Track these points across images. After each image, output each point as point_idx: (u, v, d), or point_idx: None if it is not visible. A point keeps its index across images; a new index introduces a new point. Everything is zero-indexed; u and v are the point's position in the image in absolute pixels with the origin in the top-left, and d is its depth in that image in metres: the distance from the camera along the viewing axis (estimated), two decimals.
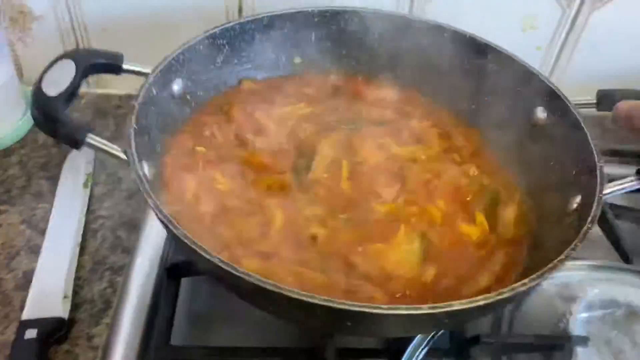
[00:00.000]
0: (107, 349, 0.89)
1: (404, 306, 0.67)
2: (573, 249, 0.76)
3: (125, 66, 0.93)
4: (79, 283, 1.00)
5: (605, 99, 1.01)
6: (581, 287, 0.96)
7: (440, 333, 0.90)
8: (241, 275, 0.67)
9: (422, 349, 0.89)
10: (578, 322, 0.91)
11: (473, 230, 0.93)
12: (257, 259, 0.83)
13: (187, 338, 0.99)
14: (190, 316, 1.02)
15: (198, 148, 0.99)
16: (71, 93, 0.86)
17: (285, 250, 0.85)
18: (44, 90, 0.84)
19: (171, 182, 0.92)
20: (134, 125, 0.84)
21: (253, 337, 0.97)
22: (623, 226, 1.02)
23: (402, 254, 0.86)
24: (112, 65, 0.93)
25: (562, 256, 0.75)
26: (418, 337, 0.89)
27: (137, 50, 0.95)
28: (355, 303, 0.65)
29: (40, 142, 1.25)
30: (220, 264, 0.68)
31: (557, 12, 1.29)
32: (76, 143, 0.83)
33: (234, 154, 1.00)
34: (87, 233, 1.08)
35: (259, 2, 1.27)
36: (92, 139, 0.84)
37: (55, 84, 0.85)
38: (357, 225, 0.90)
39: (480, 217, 0.95)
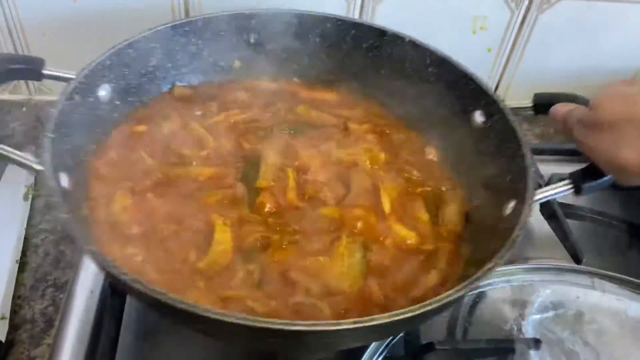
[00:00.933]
0: None
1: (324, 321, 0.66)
2: (500, 258, 0.74)
3: (46, 71, 0.89)
4: (18, 302, 0.97)
5: (541, 103, 1.00)
6: (533, 289, 0.97)
7: (395, 340, 0.89)
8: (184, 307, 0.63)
9: (377, 358, 0.88)
10: (530, 324, 0.92)
11: (412, 235, 0.92)
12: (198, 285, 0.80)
13: (133, 358, 0.93)
14: (137, 334, 0.96)
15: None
16: None
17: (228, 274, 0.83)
18: None
19: (97, 197, 0.88)
20: (50, 134, 0.80)
21: (202, 356, 0.93)
22: (573, 225, 1.01)
23: (344, 267, 0.85)
24: (31, 70, 0.89)
25: (490, 264, 0.73)
26: (372, 345, 0.88)
27: (79, 53, 0.90)
28: (278, 321, 0.63)
29: None
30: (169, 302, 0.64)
31: (506, 13, 1.29)
32: None
33: (172, 171, 0.96)
34: (28, 248, 1.05)
35: (206, 2, 1.23)
36: (2, 149, 0.79)
37: None
38: (301, 239, 0.88)
39: (424, 216, 0.95)
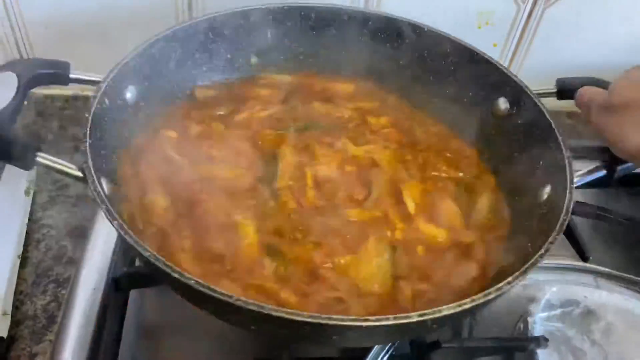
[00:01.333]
0: None
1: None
2: (551, 242, 0.75)
3: (73, 75, 0.87)
4: (20, 298, 0.95)
5: (565, 87, 0.99)
6: (539, 287, 0.97)
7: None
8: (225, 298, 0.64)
9: (383, 356, 0.88)
10: (537, 322, 0.92)
11: (442, 232, 0.90)
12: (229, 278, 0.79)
13: (136, 354, 0.93)
14: (140, 331, 0.97)
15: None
16: (14, 109, 0.80)
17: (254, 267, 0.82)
18: None
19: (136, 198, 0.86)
20: (89, 139, 0.78)
21: (205, 351, 0.93)
22: (579, 222, 1.00)
23: (372, 267, 0.83)
24: (58, 75, 0.87)
25: (542, 250, 0.74)
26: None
27: (83, 53, 0.88)
28: (308, 314, 0.63)
29: None
30: (201, 288, 0.64)
31: (512, 8, 1.29)
32: (26, 164, 0.78)
33: (199, 170, 0.94)
34: (30, 243, 1.03)
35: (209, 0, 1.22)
36: (43, 158, 0.78)
37: None
38: (324, 238, 0.87)
39: (454, 210, 0.93)
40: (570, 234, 0.98)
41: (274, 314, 0.63)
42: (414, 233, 0.90)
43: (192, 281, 0.65)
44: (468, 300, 0.67)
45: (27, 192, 1.09)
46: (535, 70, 1.36)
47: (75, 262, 0.98)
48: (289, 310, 0.64)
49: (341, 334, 0.68)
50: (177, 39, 1.00)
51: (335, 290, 0.80)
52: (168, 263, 0.66)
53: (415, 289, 0.82)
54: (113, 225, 0.70)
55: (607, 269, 1.03)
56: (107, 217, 0.70)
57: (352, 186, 0.95)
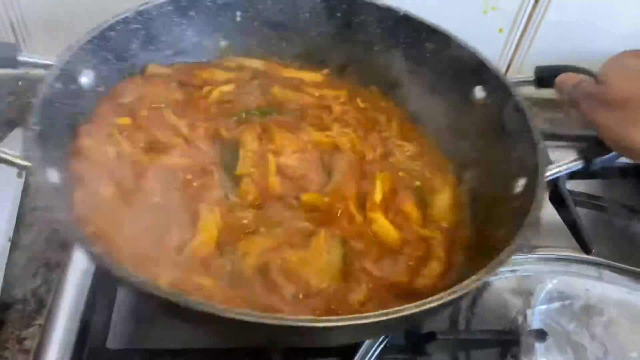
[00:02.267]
0: (39, 352, 0.82)
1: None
2: (523, 238, 0.71)
3: (21, 58, 0.83)
4: (9, 281, 0.92)
5: (544, 75, 0.94)
6: (539, 279, 0.93)
7: None
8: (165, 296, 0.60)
9: (377, 347, 0.85)
10: (535, 315, 0.88)
11: (395, 233, 0.86)
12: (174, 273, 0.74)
13: (125, 340, 0.90)
14: (129, 317, 0.92)
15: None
16: None
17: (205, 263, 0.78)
18: None
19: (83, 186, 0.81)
20: (35, 127, 0.73)
21: (196, 339, 0.88)
22: (582, 214, 0.95)
23: (322, 264, 0.80)
24: (5, 58, 0.83)
25: (512, 247, 0.70)
26: None
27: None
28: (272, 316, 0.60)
29: None
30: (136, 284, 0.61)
31: None
32: None
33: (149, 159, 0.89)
34: (21, 227, 1.00)
35: None
36: None
37: None
38: (281, 231, 0.83)
39: (413, 210, 0.90)
40: (573, 225, 0.93)
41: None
42: (368, 224, 0.86)
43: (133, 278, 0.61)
44: (412, 305, 0.62)
45: (19, 174, 1.05)
46: (542, 57, 1.23)
47: (66, 246, 0.95)
48: (217, 306, 0.59)
49: (280, 335, 0.65)
50: (139, 20, 0.93)
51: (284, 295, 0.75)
52: (106, 258, 0.63)
53: (366, 288, 0.78)
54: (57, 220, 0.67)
55: (610, 262, 1.00)
56: (52, 211, 0.68)
57: (314, 173, 0.91)
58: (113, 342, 0.86)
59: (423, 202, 0.91)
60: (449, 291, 0.63)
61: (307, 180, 0.89)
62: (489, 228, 0.83)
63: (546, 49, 1.31)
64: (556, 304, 0.89)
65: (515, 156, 0.85)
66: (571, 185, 0.95)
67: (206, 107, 0.98)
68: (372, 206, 0.87)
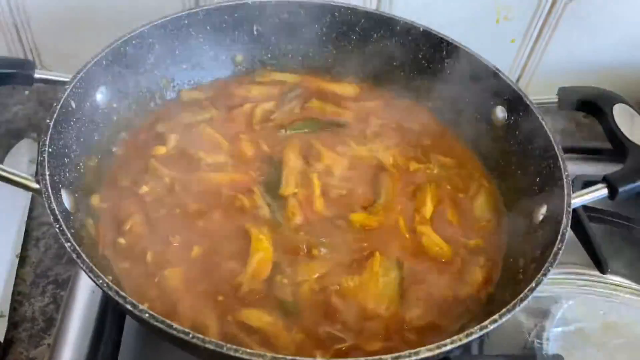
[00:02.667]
0: None
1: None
2: (544, 274, 0.69)
3: (38, 75, 0.81)
4: (17, 299, 0.90)
5: (567, 98, 0.92)
6: (554, 300, 0.90)
7: None
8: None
9: None
10: (551, 338, 0.85)
11: (445, 247, 0.85)
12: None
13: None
14: (140, 334, 0.89)
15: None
16: None
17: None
18: None
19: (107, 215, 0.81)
20: (47, 148, 0.71)
21: None
22: (597, 230, 0.91)
23: (378, 288, 0.78)
24: (20, 74, 0.81)
25: (532, 284, 0.68)
26: None
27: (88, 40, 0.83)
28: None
29: None
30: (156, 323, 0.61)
31: (533, 2, 1.19)
32: None
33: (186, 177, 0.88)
34: (29, 242, 0.98)
35: None
36: None
37: None
38: (334, 254, 0.82)
39: (459, 221, 0.88)
40: (588, 243, 0.90)
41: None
42: (420, 245, 0.84)
43: (147, 314, 0.60)
44: (448, 341, 0.62)
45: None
46: (554, 67, 1.27)
47: (74, 263, 0.94)
48: (248, 350, 0.59)
49: None
50: (155, 35, 0.92)
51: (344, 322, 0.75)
52: (122, 293, 0.62)
53: (420, 308, 0.78)
54: (66, 247, 0.65)
55: (626, 281, 0.96)
56: (60, 237, 0.65)
57: (360, 191, 0.90)
58: None
59: (466, 212, 0.90)
60: (466, 332, 0.64)
61: (353, 199, 0.88)
62: (515, 251, 0.83)
63: (558, 59, 1.28)
64: (571, 327, 0.86)
65: (539, 181, 0.84)
66: None
67: (245, 123, 0.97)
68: (421, 220, 0.87)
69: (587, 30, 1.23)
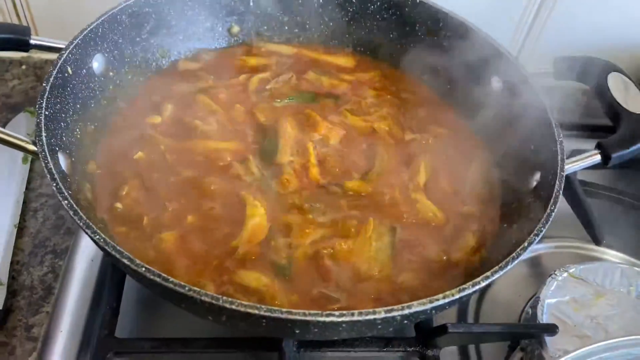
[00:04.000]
0: (46, 340, 0.80)
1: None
2: (536, 235, 0.69)
3: (33, 41, 0.80)
4: (16, 268, 0.90)
5: (563, 67, 0.91)
6: (549, 271, 0.89)
7: None
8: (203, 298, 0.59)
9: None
10: (546, 308, 0.85)
11: (438, 213, 0.85)
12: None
13: (134, 329, 0.87)
14: (138, 305, 0.90)
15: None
16: None
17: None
18: None
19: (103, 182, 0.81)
20: (44, 111, 0.71)
21: (206, 327, 0.84)
22: (592, 204, 0.93)
23: (372, 252, 0.79)
24: (16, 40, 0.79)
25: (525, 243, 0.68)
26: None
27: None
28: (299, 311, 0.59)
29: None
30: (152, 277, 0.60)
31: None
32: None
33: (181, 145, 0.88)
34: (27, 213, 0.97)
35: None
36: None
37: None
38: (328, 219, 0.82)
39: (452, 188, 0.88)
40: (583, 215, 0.91)
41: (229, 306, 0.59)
42: (414, 211, 0.84)
43: (143, 268, 0.60)
44: (440, 296, 0.62)
45: (24, 160, 1.03)
46: (553, 43, 1.25)
47: (72, 233, 0.93)
48: (244, 303, 0.59)
49: (303, 328, 0.63)
50: (150, 4, 0.91)
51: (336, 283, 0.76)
52: (119, 248, 0.62)
53: (413, 271, 0.78)
54: (63, 205, 0.64)
55: (620, 253, 0.96)
56: (57, 196, 0.65)
57: (356, 159, 0.89)
58: (122, 330, 0.83)
59: (459, 180, 0.90)
60: (458, 288, 0.63)
61: (348, 167, 0.88)
62: (508, 216, 0.83)
63: (557, 35, 1.25)
64: (566, 298, 0.86)
65: (532, 148, 0.83)
66: (582, 175, 0.93)
67: (241, 93, 0.97)
68: (415, 187, 0.87)
69: (587, 7, 1.21)
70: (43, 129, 0.70)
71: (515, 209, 0.82)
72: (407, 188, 0.86)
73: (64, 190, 0.65)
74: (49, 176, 0.66)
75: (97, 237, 0.62)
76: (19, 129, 1.07)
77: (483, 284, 0.64)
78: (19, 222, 0.96)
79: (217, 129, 0.89)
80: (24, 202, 0.98)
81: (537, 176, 0.79)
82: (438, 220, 0.84)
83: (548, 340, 0.81)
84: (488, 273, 0.64)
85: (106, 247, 0.61)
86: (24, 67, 1.21)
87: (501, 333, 0.84)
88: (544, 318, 0.84)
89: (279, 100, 0.96)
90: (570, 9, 1.20)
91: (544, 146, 0.80)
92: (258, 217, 0.79)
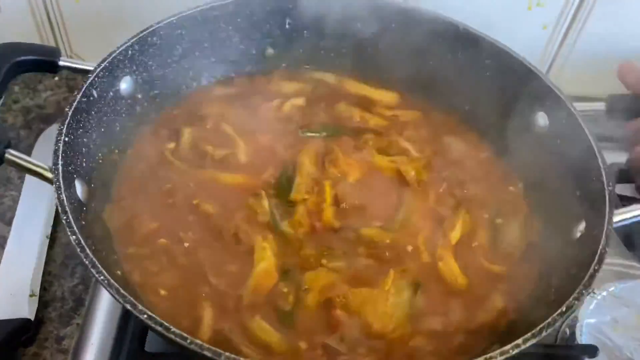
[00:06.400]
0: (76, 352, 0.78)
1: None
2: (576, 298, 0.61)
3: (62, 63, 0.78)
4: (48, 279, 0.88)
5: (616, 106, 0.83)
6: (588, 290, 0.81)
7: None
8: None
9: None
10: (585, 328, 0.79)
11: (460, 277, 0.76)
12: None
13: (164, 344, 0.84)
14: None
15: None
16: None
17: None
18: None
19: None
20: (64, 137, 0.68)
21: None
22: None
23: (387, 307, 0.71)
24: (44, 62, 0.77)
25: (563, 308, 0.61)
26: None
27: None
28: None
29: (10, 122, 1.09)
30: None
31: None
32: None
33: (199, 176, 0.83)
34: (58, 223, 0.94)
35: None
36: (12, 155, 0.68)
37: None
38: (342, 265, 0.75)
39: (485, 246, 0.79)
40: (625, 232, 0.86)
41: None
42: (434, 269, 0.76)
43: (145, 315, 0.57)
44: None
45: None
46: (588, 54, 1.18)
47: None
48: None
49: None
50: (183, 26, 0.86)
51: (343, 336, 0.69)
52: (122, 292, 0.59)
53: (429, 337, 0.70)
54: (72, 241, 0.61)
55: None
56: (67, 229, 0.62)
57: (377, 204, 0.81)
58: (151, 345, 0.80)
59: (493, 237, 0.81)
60: (484, 356, 0.57)
61: (367, 212, 0.80)
62: (545, 274, 0.75)
63: (592, 46, 1.18)
64: (606, 317, 0.80)
65: (579, 195, 0.75)
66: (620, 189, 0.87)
67: (268, 120, 0.91)
68: (445, 244, 0.78)
69: (624, 14, 1.13)
70: (60, 157, 0.67)
71: (554, 265, 0.74)
72: (434, 244, 0.77)
73: (73, 225, 0.62)
74: (59, 208, 0.63)
75: (102, 277, 0.59)
76: (51, 140, 1.04)
77: (512, 353, 0.57)
78: (51, 234, 0.93)
79: (234, 161, 0.84)
80: (56, 213, 0.95)
81: (582, 227, 0.71)
82: (459, 285, 0.75)
83: None
84: (519, 341, 0.58)
85: (110, 290, 0.58)
86: (56, 78, 1.19)
87: (537, 354, 0.78)
88: (583, 339, 0.79)
89: (303, 131, 0.89)
90: (605, 17, 1.14)
91: (590, 192, 0.72)
92: (266, 263, 0.73)
